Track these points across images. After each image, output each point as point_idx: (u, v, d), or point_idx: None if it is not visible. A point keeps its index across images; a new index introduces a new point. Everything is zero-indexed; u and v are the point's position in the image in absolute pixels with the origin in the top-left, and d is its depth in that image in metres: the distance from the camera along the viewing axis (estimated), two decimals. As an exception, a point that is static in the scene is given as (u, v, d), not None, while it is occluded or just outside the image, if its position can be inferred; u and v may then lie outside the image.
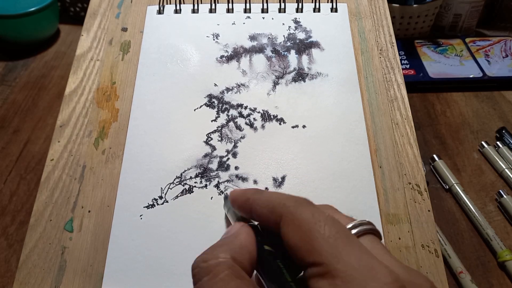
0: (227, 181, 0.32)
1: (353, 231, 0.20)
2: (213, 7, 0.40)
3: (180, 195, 0.31)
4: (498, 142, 0.47)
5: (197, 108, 0.35)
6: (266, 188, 0.31)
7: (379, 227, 0.30)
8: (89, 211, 0.31)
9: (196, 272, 0.19)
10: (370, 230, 0.20)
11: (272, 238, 0.21)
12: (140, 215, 0.31)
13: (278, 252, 0.21)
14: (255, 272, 0.21)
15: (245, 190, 0.24)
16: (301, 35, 0.38)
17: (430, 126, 0.51)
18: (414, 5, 0.59)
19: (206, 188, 0.32)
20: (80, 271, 0.29)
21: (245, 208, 0.23)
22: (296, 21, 0.39)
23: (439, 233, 0.39)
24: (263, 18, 0.39)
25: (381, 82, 0.36)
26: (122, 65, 0.38)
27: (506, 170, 0.44)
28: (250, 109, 0.35)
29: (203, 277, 0.19)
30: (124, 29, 0.40)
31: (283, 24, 0.39)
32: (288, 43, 0.38)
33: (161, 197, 0.31)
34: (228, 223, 0.30)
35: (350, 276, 0.16)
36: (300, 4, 0.40)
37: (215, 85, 0.36)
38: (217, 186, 0.32)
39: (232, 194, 0.25)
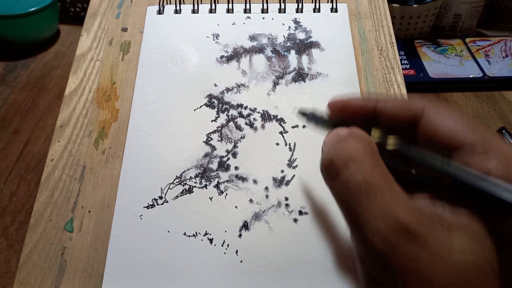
0: (227, 181, 0.32)
1: None
2: (213, 7, 0.40)
3: (180, 195, 0.31)
4: (498, 142, 0.47)
5: (197, 108, 0.35)
6: (266, 188, 0.32)
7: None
8: (89, 211, 0.31)
9: (337, 161, 0.19)
10: None
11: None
12: (140, 215, 0.31)
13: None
14: None
15: (357, 98, 0.23)
16: (301, 35, 0.38)
17: (430, 126, 0.51)
18: (414, 5, 0.59)
19: (206, 188, 0.32)
20: (80, 271, 0.29)
21: (363, 111, 0.22)
22: (296, 21, 0.39)
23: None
24: (263, 18, 0.39)
25: (381, 82, 0.36)
26: (122, 65, 0.38)
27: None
28: (250, 109, 0.35)
29: (349, 165, 0.19)
30: (124, 29, 0.40)
31: (283, 24, 0.39)
32: (288, 43, 0.38)
33: (161, 197, 0.31)
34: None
35: (506, 153, 0.18)
36: (300, 4, 0.40)
37: (215, 85, 0.36)
38: (217, 186, 0.32)
39: (339, 102, 0.24)
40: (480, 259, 0.17)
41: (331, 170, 0.20)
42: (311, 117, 0.26)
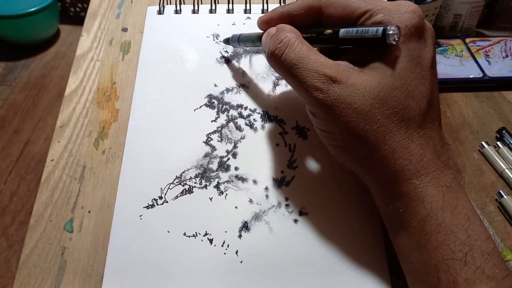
0: (227, 181, 0.32)
1: None
2: (213, 7, 0.40)
3: (180, 196, 0.32)
4: (498, 143, 0.47)
5: (197, 109, 0.35)
6: (266, 188, 0.32)
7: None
8: (89, 211, 0.31)
9: (277, 50, 0.27)
10: None
11: None
12: (140, 215, 0.31)
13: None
14: None
15: (277, 8, 0.30)
16: (301, 36, 0.38)
17: (430, 126, 0.51)
18: (414, 6, 0.59)
19: (206, 188, 0.32)
20: (80, 271, 0.29)
21: (282, 19, 0.29)
22: (296, 22, 0.39)
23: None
24: (263, 18, 0.39)
25: (381, 83, 0.36)
26: (122, 65, 0.38)
27: (506, 170, 0.44)
28: (250, 110, 0.35)
29: (284, 50, 0.26)
30: (124, 30, 0.40)
31: (283, 24, 0.39)
32: (288, 44, 0.38)
33: (161, 197, 0.31)
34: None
35: (389, 9, 0.25)
36: (300, 5, 0.40)
37: (215, 85, 0.36)
38: (217, 186, 0.32)
39: (264, 17, 0.31)
40: (383, 84, 0.24)
41: (274, 59, 0.27)
42: (233, 38, 0.35)
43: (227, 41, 0.36)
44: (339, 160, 0.28)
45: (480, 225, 0.24)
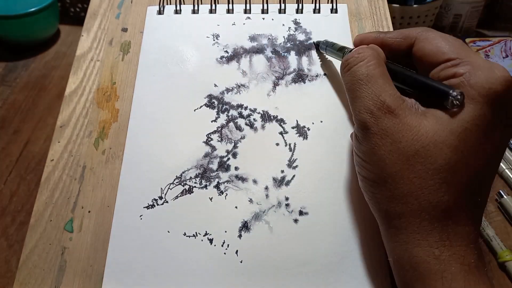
0: (227, 181, 0.32)
1: None
2: (213, 7, 0.40)
3: (180, 196, 0.32)
4: (498, 143, 0.47)
5: (197, 109, 0.35)
6: (266, 188, 0.32)
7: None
8: (89, 212, 0.31)
9: (351, 60, 0.26)
10: None
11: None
12: (140, 215, 0.31)
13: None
14: None
15: (372, 32, 0.31)
16: (301, 36, 0.38)
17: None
18: (414, 6, 0.59)
19: (206, 188, 0.32)
20: (80, 272, 0.29)
21: (375, 41, 0.29)
22: (296, 22, 0.39)
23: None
24: (263, 19, 0.39)
25: (381, 83, 0.36)
26: (122, 66, 0.38)
27: (506, 170, 0.44)
28: (250, 110, 0.35)
29: (358, 62, 0.26)
30: (124, 30, 0.40)
31: (283, 25, 0.39)
32: (288, 44, 0.38)
33: (161, 198, 0.31)
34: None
35: (478, 64, 0.23)
36: (300, 5, 0.40)
37: (215, 85, 0.36)
38: (217, 186, 0.32)
39: (359, 36, 0.31)
40: (438, 135, 0.22)
41: (345, 66, 0.27)
42: (324, 43, 0.36)
43: (317, 46, 0.37)
44: (366, 195, 0.26)
45: None
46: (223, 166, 0.33)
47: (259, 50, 0.38)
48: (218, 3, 0.40)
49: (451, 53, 0.24)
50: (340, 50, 0.32)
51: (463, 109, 0.22)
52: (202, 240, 0.30)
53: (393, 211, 0.23)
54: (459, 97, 0.22)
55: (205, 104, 0.35)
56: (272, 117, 0.34)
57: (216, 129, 0.34)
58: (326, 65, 0.37)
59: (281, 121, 0.34)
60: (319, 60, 0.37)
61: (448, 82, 0.24)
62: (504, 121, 0.23)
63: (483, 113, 0.22)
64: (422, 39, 0.26)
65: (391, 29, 0.39)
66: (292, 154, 0.33)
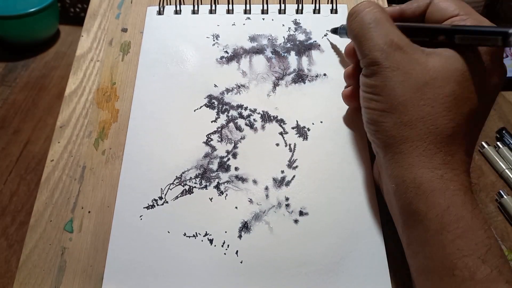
0: (227, 181, 0.32)
1: None
2: (213, 8, 0.40)
3: (180, 196, 0.32)
4: (498, 143, 0.47)
5: (197, 109, 0.35)
6: (266, 188, 0.32)
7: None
8: (89, 212, 0.31)
9: (358, 7, 0.28)
10: None
11: None
12: (140, 216, 0.31)
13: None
14: None
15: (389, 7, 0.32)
16: (301, 37, 0.38)
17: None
18: (414, 6, 0.59)
19: (206, 188, 0.32)
20: (80, 272, 0.29)
21: (394, 13, 0.30)
22: (296, 23, 0.39)
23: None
24: (263, 19, 0.39)
25: (381, 83, 0.36)
26: (122, 66, 0.38)
27: (506, 170, 0.44)
28: (250, 110, 0.35)
29: (364, 9, 0.27)
30: (124, 30, 0.40)
31: (283, 25, 0.39)
32: (288, 44, 0.38)
33: (161, 198, 0.31)
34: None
35: (483, 20, 0.26)
36: (300, 6, 0.40)
37: (215, 86, 0.36)
38: (217, 187, 0.32)
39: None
40: (445, 70, 0.25)
41: (353, 13, 0.28)
42: (342, 28, 0.36)
43: (335, 31, 0.37)
44: (371, 127, 0.27)
45: (493, 233, 0.24)
46: (223, 166, 0.33)
47: (259, 51, 0.38)
48: (218, 4, 0.40)
49: (460, 10, 0.27)
50: None
51: (465, 55, 0.25)
52: (202, 241, 0.30)
53: (401, 136, 0.25)
54: None
55: (205, 105, 0.35)
56: (272, 118, 0.34)
57: (216, 129, 0.34)
58: (326, 65, 0.37)
59: (281, 122, 0.34)
60: (320, 59, 0.37)
61: None
62: (499, 69, 0.26)
63: (480, 60, 0.25)
64: (437, 1, 0.28)
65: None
66: (292, 155, 0.33)
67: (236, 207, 0.31)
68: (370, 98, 0.27)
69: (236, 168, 0.32)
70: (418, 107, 0.25)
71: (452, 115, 0.25)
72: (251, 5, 0.40)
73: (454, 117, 0.25)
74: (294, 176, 0.32)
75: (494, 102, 0.27)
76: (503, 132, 0.48)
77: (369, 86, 0.27)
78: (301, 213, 0.31)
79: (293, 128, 0.34)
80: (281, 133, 0.34)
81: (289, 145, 0.33)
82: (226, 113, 0.35)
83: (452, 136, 0.25)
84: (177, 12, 0.40)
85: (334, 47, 0.37)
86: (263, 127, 0.34)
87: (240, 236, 0.30)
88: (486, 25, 0.25)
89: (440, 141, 0.25)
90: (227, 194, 0.31)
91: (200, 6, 0.40)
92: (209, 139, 0.34)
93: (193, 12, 0.40)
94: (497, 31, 0.23)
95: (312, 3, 0.40)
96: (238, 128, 0.34)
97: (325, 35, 0.38)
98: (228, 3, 0.40)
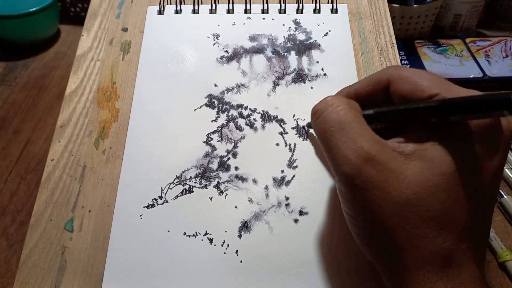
0: (227, 181, 0.32)
1: None
2: (213, 7, 0.40)
3: (180, 195, 0.32)
4: (498, 143, 0.47)
5: (197, 108, 0.35)
6: (266, 188, 0.32)
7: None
8: (89, 211, 0.31)
9: (319, 107, 0.25)
10: None
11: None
12: (140, 215, 0.31)
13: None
14: None
15: (343, 89, 0.28)
16: (301, 36, 0.38)
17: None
18: (414, 5, 0.59)
19: (206, 188, 0.32)
20: (80, 271, 0.29)
21: (348, 97, 0.27)
22: (296, 22, 0.39)
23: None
24: (263, 18, 0.39)
25: (381, 83, 0.36)
26: (122, 65, 0.38)
27: (506, 170, 0.44)
28: (250, 110, 0.35)
29: (327, 109, 0.24)
30: (125, 29, 0.40)
31: (283, 25, 0.39)
32: (288, 44, 0.38)
33: (161, 197, 0.31)
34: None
35: (450, 90, 0.22)
36: (300, 5, 0.40)
37: (215, 85, 0.36)
38: (217, 186, 0.32)
39: (337, 94, 0.28)
40: (429, 179, 0.21)
41: (314, 114, 0.25)
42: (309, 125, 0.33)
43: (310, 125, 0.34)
44: (363, 250, 0.24)
45: None
46: (223, 166, 0.33)
47: (259, 50, 0.38)
48: (218, 3, 0.40)
49: (431, 88, 0.22)
50: None
51: (452, 149, 0.21)
52: (202, 240, 0.30)
53: (394, 266, 0.22)
54: None
55: (205, 104, 0.35)
56: (272, 117, 0.34)
57: (216, 129, 0.34)
58: (326, 65, 0.37)
59: (281, 121, 0.34)
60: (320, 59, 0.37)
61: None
62: (492, 150, 0.22)
63: (473, 149, 0.21)
64: (396, 80, 0.24)
65: (391, 29, 0.39)
66: (292, 154, 0.33)
67: (236, 207, 0.31)
68: (352, 222, 0.24)
69: (236, 168, 0.32)
70: (404, 232, 0.21)
71: (445, 234, 0.21)
72: (251, 5, 0.40)
73: (448, 234, 0.21)
74: (294, 176, 0.32)
75: (498, 189, 0.23)
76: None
77: (348, 209, 0.23)
78: (301, 213, 0.31)
79: (293, 128, 0.34)
80: (281, 133, 0.34)
81: (289, 145, 0.33)
82: (226, 112, 0.35)
83: (450, 257, 0.21)
84: (177, 11, 0.40)
85: (311, 135, 0.34)
86: (263, 127, 0.34)
87: (240, 236, 0.30)
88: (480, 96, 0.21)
89: (439, 266, 0.21)
90: (227, 194, 0.31)
91: (200, 5, 0.40)
92: (209, 139, 0.34)
93: (194, 11, 0.40)
94: (500, 98, 0.19)
95: (312, 3, 0.40)
96: (238, 128, 0.34)
97: (325, 35, 0.38)
98: (229, 3, 0.40)
